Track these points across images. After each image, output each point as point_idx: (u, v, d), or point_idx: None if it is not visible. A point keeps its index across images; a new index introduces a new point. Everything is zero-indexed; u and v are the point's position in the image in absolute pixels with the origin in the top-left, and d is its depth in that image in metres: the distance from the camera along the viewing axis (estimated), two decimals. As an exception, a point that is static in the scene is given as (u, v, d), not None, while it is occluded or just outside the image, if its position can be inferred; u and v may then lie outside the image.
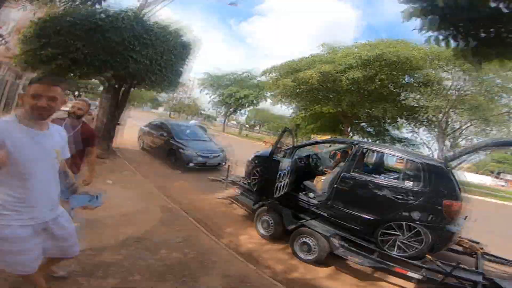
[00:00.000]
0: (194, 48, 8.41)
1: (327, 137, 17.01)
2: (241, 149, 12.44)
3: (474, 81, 16.51)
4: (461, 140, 19.71)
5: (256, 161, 5.36)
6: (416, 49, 16.02)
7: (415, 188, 3.55)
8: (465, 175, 4.11)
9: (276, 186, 3.99)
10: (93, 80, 9.94)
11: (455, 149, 17.78)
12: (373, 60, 16.44)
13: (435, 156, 17.19)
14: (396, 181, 3.91)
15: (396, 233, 3.57)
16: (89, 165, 2.99)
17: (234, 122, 55.17)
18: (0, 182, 1.53)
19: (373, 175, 4.03)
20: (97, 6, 5.91)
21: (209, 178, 6.47)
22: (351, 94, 18.28)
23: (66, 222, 1.85)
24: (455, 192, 3.41)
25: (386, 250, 3.59)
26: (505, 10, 2.10)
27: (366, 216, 3.75)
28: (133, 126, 11.13)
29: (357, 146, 4.24)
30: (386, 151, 4.48)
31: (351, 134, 22.30)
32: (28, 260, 1.67)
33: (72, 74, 6.79)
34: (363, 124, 22.87)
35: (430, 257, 3.40)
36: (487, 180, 30.88)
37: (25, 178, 1.55)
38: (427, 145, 20.81)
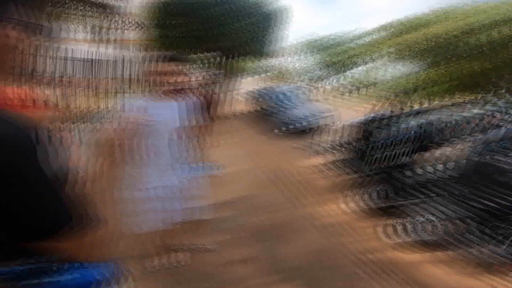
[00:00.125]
0: (287, 14, 8.37)
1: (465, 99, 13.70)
2: (346, 114, 11.66)
3: None
4: None
5: (369, 124, 4.89)
6: None
7: None
8: None
9: (392, 154, 3.59)
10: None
11: None
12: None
13: None
14: None
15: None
16: (208, 130, 3.43)
17: (340, 83, 51.61)
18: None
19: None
20: None
21: (307, 143, 6.34)
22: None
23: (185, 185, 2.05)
24: None
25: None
26: None
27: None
28: (239, 93, 12.19)
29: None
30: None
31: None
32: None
33: (187, 49, 7.78)
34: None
35: None
36: None
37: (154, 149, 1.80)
38: None
